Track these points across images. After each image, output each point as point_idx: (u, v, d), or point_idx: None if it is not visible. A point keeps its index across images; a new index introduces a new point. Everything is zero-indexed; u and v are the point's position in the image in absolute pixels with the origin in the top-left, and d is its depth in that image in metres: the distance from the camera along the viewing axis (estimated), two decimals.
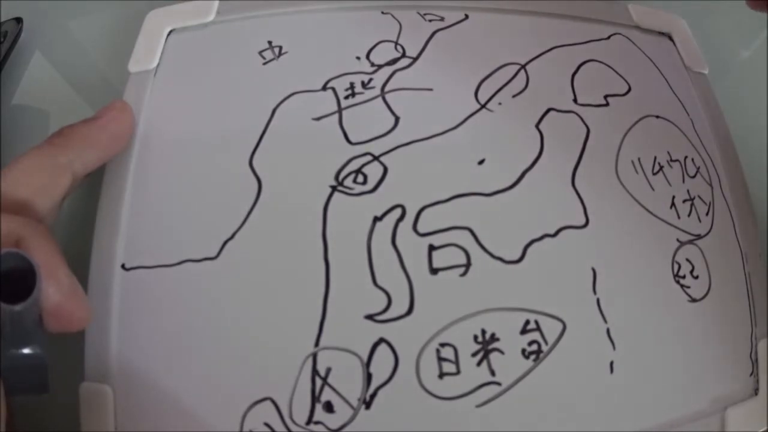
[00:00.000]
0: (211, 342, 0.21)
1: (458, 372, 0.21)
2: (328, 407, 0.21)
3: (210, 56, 0.26)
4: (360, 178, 0.23)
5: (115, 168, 0.24)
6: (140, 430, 0.21)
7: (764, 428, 0.24)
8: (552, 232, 0.24)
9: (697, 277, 0.25)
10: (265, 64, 0.26)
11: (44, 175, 0.20)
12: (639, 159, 0.26)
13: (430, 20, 0.28)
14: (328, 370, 0.21)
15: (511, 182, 0.24)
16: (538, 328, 0.22)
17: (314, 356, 0.21)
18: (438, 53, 0.27)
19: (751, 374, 0.25)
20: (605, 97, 0.27)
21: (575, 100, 0.27)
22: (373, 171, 0.24)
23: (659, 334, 0.24)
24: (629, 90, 0.28)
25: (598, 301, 0.23)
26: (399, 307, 0.22)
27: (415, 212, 0.23)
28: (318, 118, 0.24)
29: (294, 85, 0.25)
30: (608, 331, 0.23)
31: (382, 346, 0.21)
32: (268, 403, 0.21)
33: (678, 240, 0.25)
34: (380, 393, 0.21)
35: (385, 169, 0.24)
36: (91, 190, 0.24)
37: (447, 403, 0.21)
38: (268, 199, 0.23)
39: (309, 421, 0.20)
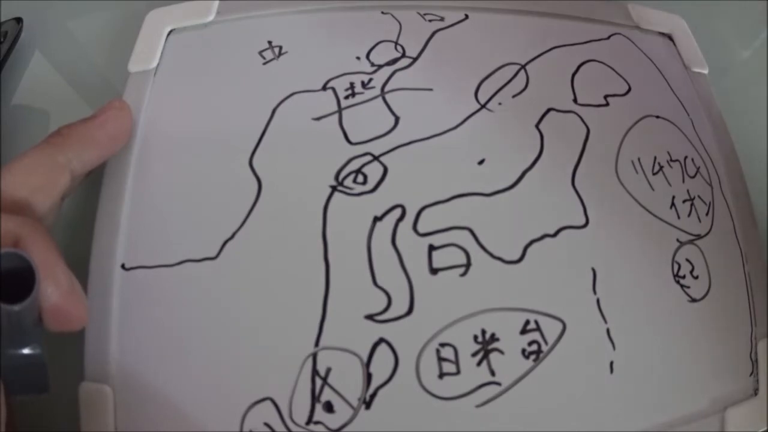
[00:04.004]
0: (211, 342, 0.21)
1: (458, 372, 0.21)
2: (328, 407, 0.21)
3: (210, 56, 0.26)
4: (360, 178, 0.23)
5: (115, 168, 0.24)
6: (140, 430, 0.21)
7: (764, 428, 0.24)
8: (552, 232, 0.24)
9: (697, 277, 0.25)
10: (265, 64, 0.26)
11: (43, 174, 0.20)
12: (639, 159, 0.26)
13: (430, 20, 0.28)
14: (328, 370, 0.21)
15: (511, 182, 0.24)
16: (538, 328, 0.22)
17: (314, 356, 0.21)
18: (438, 53, 0.27)
19: (751, 374, 0.25)
20: (605, 97, 0.27)
21: (575, 100, 0.27)
22: (373, 171, 0.24)
23: (659, 334, 0.24)
24: (629, 90, 0.28)
25: (598, 301, 0.23)
26: (399, 307, 0.22)
27: (415, 212, 0.23)
28: (318, 118, 0.24)
29: (294, 85, 0.25)
30: (608, 331, 0.23)
31: (382, 346, 0.21)
32: (268, 403, 0.21)
33: (678, 240, 0.25)
34: (380, 393, 0.21)
35: (385, 169, 0.24)
36: (91, 190, 0.24)
37: (447, 403, 0.21)
38: (268, 199, 0.23)
39: (309, 421, 0.20)
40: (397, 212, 0.23)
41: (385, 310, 0.22)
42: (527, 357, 0.22)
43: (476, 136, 0.25)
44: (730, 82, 0.34)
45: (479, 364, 0.21)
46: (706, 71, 0.31)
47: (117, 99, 0.24)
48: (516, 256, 0.23)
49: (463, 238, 0.23)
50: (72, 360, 0.21)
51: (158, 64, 0.26)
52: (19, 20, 0.31)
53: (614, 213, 0.25)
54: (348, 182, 0.23)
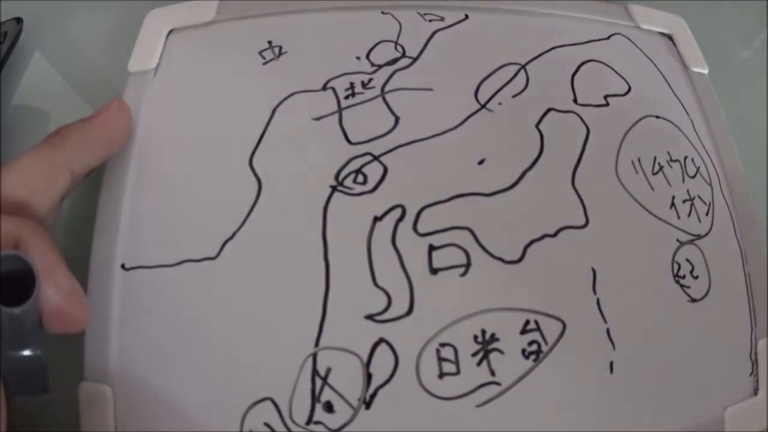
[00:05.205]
0: (211, 342, 0.21)
1: (458, 372, 0.21)
2: (328, 407, 0.21)
3: (210, 56, 0.26)
4: (360, 178, 0.23)
5: (115, 168, 0.24)
6: (140, 430, 0.21)
7: (764, 428, 0.24)
8: (552, 232, 0.24)
9: (697, 277, 0.25)
10: (265, 64, 0.26)
11: (42, 174, 0.20)
12: (639, 159, 0.26)
13: (430, 20, 0.28)
14: (328, 370, 0.21)
15: (511, 182, 0.24)
16: (538, 328, 0.22)
17: (314, 356, 0.21)
18: (438, 53, 0.27)
19: (751, 374, 0.25)
20: (605, 97, 0.27)
21: (575, 100, 0.27)
22: (373, 171, 0.24)
23: (659, 334, 0.24)
24: (629, 90, 0.28)
25: (598, 301, 0.23)
26: (399, 307, 0.22)
27: (415, 212, 0.23)
28: (318, 118, 0.24)
29: (294, 85, 0.25)
30: (608, 331, 0.23)
31: (382, 346, 0.21)
32: (268, 403, 0.21)
33: (678, 240, 0.25)
34: (380, 393, 0.21)
35: (385, 169, 0.24)
36: (91, 190, 0.24)
37: (447, 403, 0.21)
38: (268, 199, 0.23)
39: (309, 421, 0.20)
40: (397, 212, 0.23)
41: (385, 310, 0.22)
42: (527, 357, 0.22)
43: (476, 136, 0.25)
44: (730, 82, 0.34)
45: (479, 364, 0.21)
46: (706, 71, 0.31)
47: (116, 99, 0.24)
48: (516, 256, 0.23)
49: (463, 238, 0.23)
50: (72, 360, 0.21)
51: (158, 64, 0.26)
52: (19, 20, 0.31)
53: (614, 213, 0.25)
54: (348, 182, 0.23)
